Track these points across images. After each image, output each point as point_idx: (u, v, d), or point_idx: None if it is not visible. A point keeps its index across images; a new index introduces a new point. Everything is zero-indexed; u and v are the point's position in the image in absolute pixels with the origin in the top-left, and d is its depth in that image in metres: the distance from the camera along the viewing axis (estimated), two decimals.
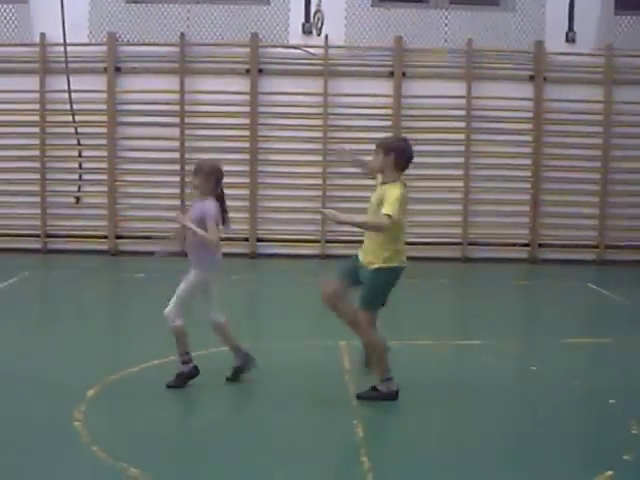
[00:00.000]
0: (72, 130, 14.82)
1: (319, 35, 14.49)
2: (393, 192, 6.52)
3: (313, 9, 14.08)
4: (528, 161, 15.09)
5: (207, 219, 7.05)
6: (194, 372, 7.02)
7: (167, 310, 6.87)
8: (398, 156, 6.67)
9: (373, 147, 6.82)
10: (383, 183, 6.70)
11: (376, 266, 6.61)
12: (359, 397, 6.78)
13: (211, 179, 7.17)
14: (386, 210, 6.42)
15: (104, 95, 14.71)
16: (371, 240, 6.70)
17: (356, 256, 6.86)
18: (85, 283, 12.52)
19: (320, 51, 14.73)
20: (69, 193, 15.09)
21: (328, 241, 14.88)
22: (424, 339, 8.70)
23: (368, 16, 14.89)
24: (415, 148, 15.27)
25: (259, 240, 15.12)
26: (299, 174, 14.94)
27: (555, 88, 14.91)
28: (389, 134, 14.49)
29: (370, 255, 6.68)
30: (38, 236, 15.01)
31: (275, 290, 12.44)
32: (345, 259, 6.99)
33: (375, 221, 6.57)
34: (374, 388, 6.81)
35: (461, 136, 14.90)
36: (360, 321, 6.66)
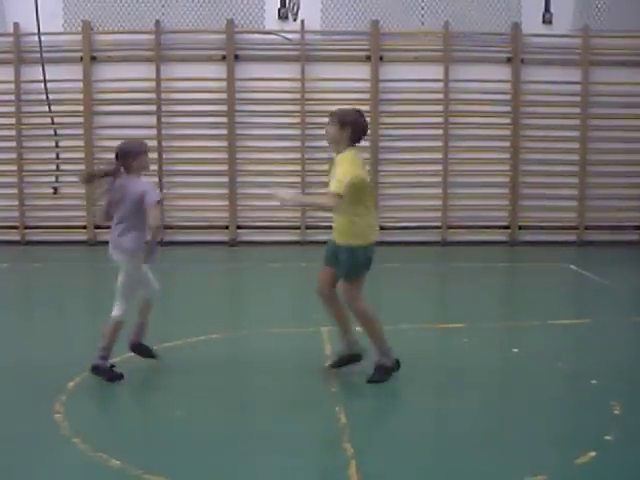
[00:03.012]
0: (48, 120, 14.74)
1: (295, 20, 14.50)
2: (342, 164, 6.40)
3: None
4: (506, 143, 15.11)
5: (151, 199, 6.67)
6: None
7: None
8: (354, 130, 6.55)
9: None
10: (338, 153, 6.58)
11: (349, 244, 6.54)
12: (370, 382, 6.70)
13: None
14: (333, 187, 6.30)
15: (80, 84, 14.62)
16: (340, 215, 6.59)
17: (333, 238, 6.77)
18: (65, 274, 12.44)
19: (296, 36, 14.67)
20: (47, 184, 15.00)
21: (308, 227, 14.86)
22: (406, 323, 8.69)
23: (344, 0, 14.83)
24: (393, 132, 15.40)
25: (239, 227, 15.08)
26: (278, 160, 14.90)
27: (532, 70, 14.92)
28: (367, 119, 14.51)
29: (340, 232, 6.63)
30: (16, 228, 14.93)
31: (256, 277, 12.40)
32: (327, 244, 6.92)
33: (322, 202, 6.51)
34: (379, 366, 6.78)
35: (439, 119, 14.88)
36: (348, 297, 6.61)
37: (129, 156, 6.72)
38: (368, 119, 14.15)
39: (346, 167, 6.39)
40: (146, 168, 6.91)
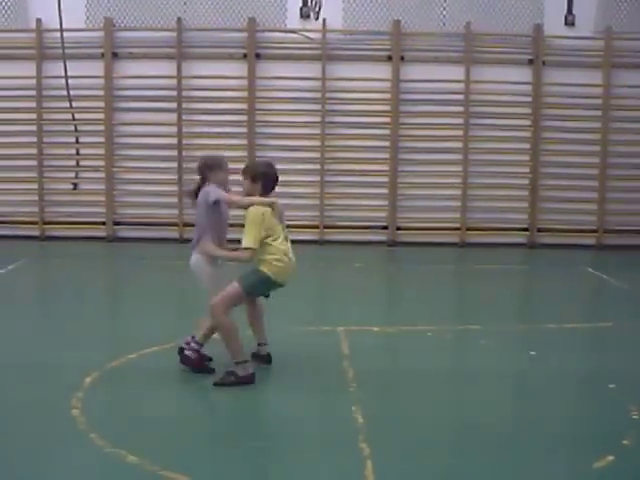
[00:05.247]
0: (69, 116, 14.78)
1: (317, 19, 14.44)
2: (249, 216, 6.74)
3: None
4: (527, 145, 15.05)
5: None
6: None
7: None
8: (265, 183, 6.97)
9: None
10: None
11: (260, 269, 6.77)
12: (216, 384, 6.65)
13: None
14: (244, 242, 6.67)
15: (101, 81, 14.66)
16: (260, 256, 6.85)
17: None
18: (83, 269, 12.48)
19: (318, 35, 14.67)
20: (66, 180, 15.06)
21: (326, 227, 14.82)
22: (424, 325, 8.68)
23: (366, 0, 14.81)
24: (413, 132, 15.34)
25: None
26: (297, 159, 14.88)
27: (554, 72, 14.85)
28: (386, 119, 14.52)
29: (261, 260, 6.83)
30: (36, 223, 14.99)
31: None
32: None
33: (235, 254, 6.83)
34: (230, 372, 6.71)
35: (459, 120, 14.85)
36: (220, 298, 6.63)
37: (207, 169, 7.10)
38: (388, 119, 14.42)
39: (250, 223, 6.75)
40: (224, 184, 7.17)
